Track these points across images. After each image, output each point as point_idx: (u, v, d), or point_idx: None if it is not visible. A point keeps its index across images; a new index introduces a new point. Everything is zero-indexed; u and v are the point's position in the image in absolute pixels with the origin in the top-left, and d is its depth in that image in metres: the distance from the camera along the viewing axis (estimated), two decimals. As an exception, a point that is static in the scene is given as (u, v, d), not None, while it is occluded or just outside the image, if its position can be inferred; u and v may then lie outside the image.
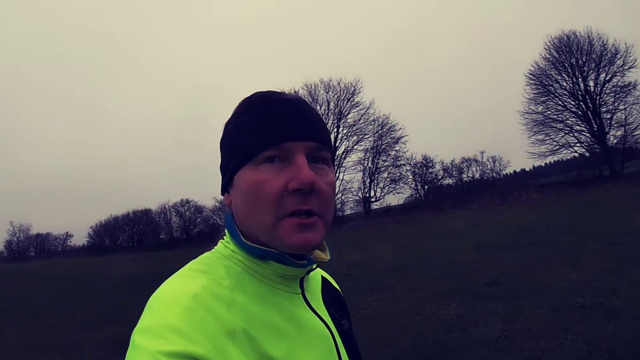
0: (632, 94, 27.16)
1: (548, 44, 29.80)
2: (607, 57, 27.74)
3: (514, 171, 39.84)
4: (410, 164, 32.73)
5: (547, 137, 29.81)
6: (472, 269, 8.47)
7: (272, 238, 0.68)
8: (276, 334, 0.66)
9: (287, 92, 0.78)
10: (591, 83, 28.58)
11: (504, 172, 33.08)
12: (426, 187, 32.54)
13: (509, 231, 12.66)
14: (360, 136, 33.56)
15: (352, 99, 33.28)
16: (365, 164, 33.48)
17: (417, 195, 32.66)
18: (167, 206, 38.83)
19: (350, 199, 34.08)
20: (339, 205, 33.20)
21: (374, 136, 33.04)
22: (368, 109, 33.20)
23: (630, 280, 5.91)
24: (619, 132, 27.75)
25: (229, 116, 0.77)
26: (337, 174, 33.19)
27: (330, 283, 0.94)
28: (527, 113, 30.39)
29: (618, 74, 27.58)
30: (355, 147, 33.64)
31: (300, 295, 0.76)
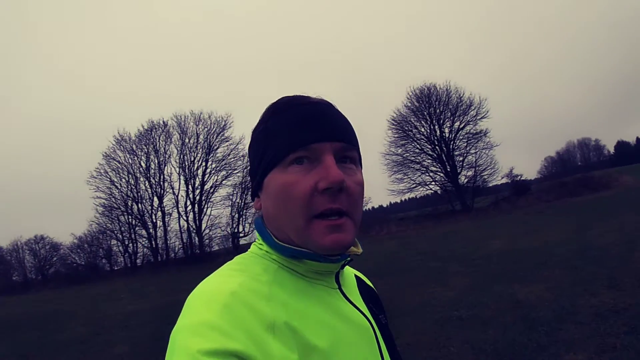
0: (483, 140, 31.80)
1: (410, 94, 33.35)
2: (462, 108, 32.04)
3: (373, 207, 42.61)
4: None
5: (406, 177, 33.23)
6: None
7: (305, 240, 0.68)
8: (318, 324, 0.65)
9: (313, 96, 0.76)
10: (447, 130, 32.67)
11: (366, 208, 35.17)
12: None
13: (376, 260, 13.25)
14: (229, 171, 33.12)
15: (222, 133, 32.89)
16: (234, 199, 32.99)
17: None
18: (19, 243, 34.71)
19: (219, 235, 33.35)
20: (207, 241, 32.22)
21: (243, 171, 32.62)
22: (238, 144, 32.93)
23: (496, 293, 6.51)
24: (470, 173, 32.20)
25: (256, 123, 0.77)
26: (205, 209, 32.24)
27: (364, 281, 0.94)
28: (387, 154, 33.43)
29: (471, 122, 32.02)
30: (224, 182, 33.06)
31: (338, 289, 0.76)
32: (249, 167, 0.80)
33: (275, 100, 0.76)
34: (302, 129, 0.68)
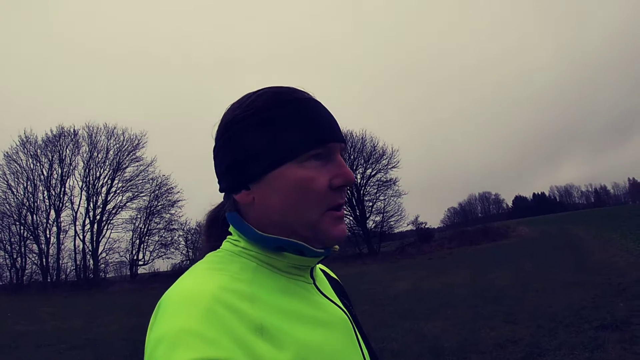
0: (392, 188, 33.25)
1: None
2: (375, 156, 33.38)
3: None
4: (183, 229, 31.43)
5: None
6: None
7: (317, 231, 0.69)
8: (306, 321, 0.65)
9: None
10: (359, 176, 33.63)
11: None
12: (197, 253, 32.04)
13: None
14: (136, 193, 30.72)
15: (134, 152, 30.63)
16: (137, 224, 30.67)
17: (187, 261, 30.93)
18: None
19: (116, 260, 30.51)
20: (102, 266, 29.80)
21: (150, 195, 30.73)
22: (149, 165, 30.85)
23: (403, 329, 6.72)
24: (378, 218, 33.31)
25: (239, 108, 0.72)
26: (104, 230, 29.99)
27: (329, 274, 0.94)
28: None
29: (382, 170, 33.39)
30: (128, 203, 30.63)
31: (313, 284, 0.75)
32: (222, 159, 0.74)
33: (265, 89, 0.74)
34: (321, 126, 0.70)
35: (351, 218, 33.10)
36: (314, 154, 0.68)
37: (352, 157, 33.27)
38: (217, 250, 0.73)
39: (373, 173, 33.39)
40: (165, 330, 0.52)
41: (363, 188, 33.28)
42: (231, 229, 0.74)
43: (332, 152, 0.71)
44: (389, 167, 33.05)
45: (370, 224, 33.04)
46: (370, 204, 33.41)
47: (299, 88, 0.75)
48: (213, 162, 0.78)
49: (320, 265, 0.92)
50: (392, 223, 33.21)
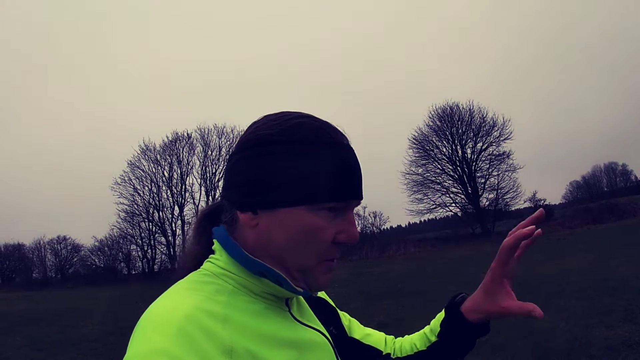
0: (505, 162, 30.98)
1: (432, 112, 32.80)
2: (485, 129, 31.32)
3: (391, 227, 42.05)
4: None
5: (425, 197, 32.38)
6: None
7: (307, 276, 0.71)
8: (277, 346, 0.65)
9: (337, 126, 0.75)
10: (469, 151, 31.94)
11: (384, 227, 34.74)
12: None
13: (390, 280, 13.14)
14: None
15: None
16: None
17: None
18: (42, 242, 35.07)
19: None
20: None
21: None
22: None
23: (508, 322, 6.21)
24: (492, 195, 31.37)
25: (277, 128, 0.70)
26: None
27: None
28: (407, 174, 32.77)
29: (494, 144, 31.22)
30: None
31: (288, 312, 0.75)
32: (241, 172, 0.72)
33: (307, 118, 0.72)
34: (347, 181, 0.70)
35: (463, 196, 31.68)
36: (330, 207, 0.69)
37: (460, 130, 31.68)
38: (198, 270, 0.73)
39: (484, 147, 31.37)
40: (136, 352, 0.55)
41: (474, 163, 31.48)
42: (215, 245, 0.74)
43: (347, 208, 0.72)
44: (501, 139, 30.82)
45: (484, 201, 31.22)
46: (483, 180, 31.41)
47: (337, 127, 0.74)
48: (226, 164, 0.77)
49: None
50: (507, 200, 31.21)
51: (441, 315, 0.93)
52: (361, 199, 0.73)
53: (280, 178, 0.67)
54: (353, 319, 1.00)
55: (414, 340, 0.96)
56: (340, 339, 0.87)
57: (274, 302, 0.73)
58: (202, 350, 0.55)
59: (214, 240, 0.74)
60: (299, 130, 0.69)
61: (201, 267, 0.74)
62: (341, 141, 0.72)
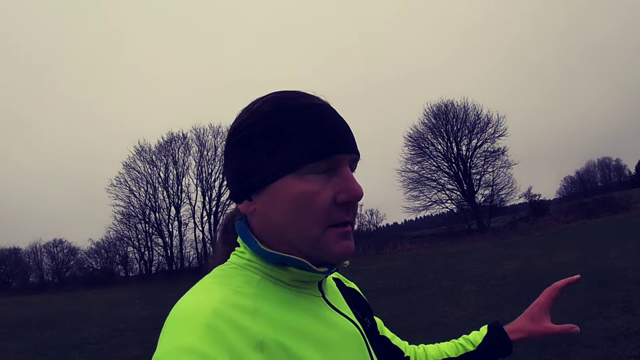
0: (500, 158, 31.28)
1: (427, 110, 33.05)
2: (479, 126, 31.62)
3: (387, 224, 42.20)
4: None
5: (421, 194, 32.77)
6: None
7: (318, 248, 0.66)
8: (309, 338, 0.63)
9: (311, 93, 0.73)
10: (464, 148, 32.22)
11: (380, 225, 34.87)
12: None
13: (388, 277, 13.16)
14: None
15: None
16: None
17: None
18: (38, 246, 35.00)
19: None
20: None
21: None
22: None
23: (509, 314, 6.34)
24: (487, 192, 31.66)
25: (247, 113, 0.70)
26: (220, 220, 32.52)
27: (344, 283, 0.92)
28: (403, 171, 33.10)
29: (489, 140, 31.52)
30: None
31: (321, 297, 0.73)
32: (227, 166, 0.74)
33: (273, 94, 0.71)
34: (324, 137, 0.66)
35: (458, 193, 31.92)
36: (318, 166, 0.65)
37: (455, 128, 31.89)
38: (225, 263, 0.73)
39: (479, 144, 31.68)
40: (165, 350, 0.53)
41: (469, 160, 31.78)
42: (239, 239, 0.73)
43: (340, 165, 0.67)
44: (496, 135, 31.10)
45: (479, 198, 31.53)
46: (478, 177, 31.73)
47: (309, 92, 0.72)
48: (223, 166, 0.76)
49: (335, 274, 0.91)
50: (502, 196, 31.47)
51: (483, 330, 1.06)
52: (351, 152, 0.68)
53: (259, 157, 0.67)
54: (378, 318, 0.98)
55: (443, 349, 1.05)
56: (374, 334, 0.86)
57: (306, 289, 0.71)
58: (232, 346, 0.53)
59: (238, 237, 0.74)
60: (264, 106, 0.69)
61: (228, 260, 0.73)
62: (312, 102, 0.69)
